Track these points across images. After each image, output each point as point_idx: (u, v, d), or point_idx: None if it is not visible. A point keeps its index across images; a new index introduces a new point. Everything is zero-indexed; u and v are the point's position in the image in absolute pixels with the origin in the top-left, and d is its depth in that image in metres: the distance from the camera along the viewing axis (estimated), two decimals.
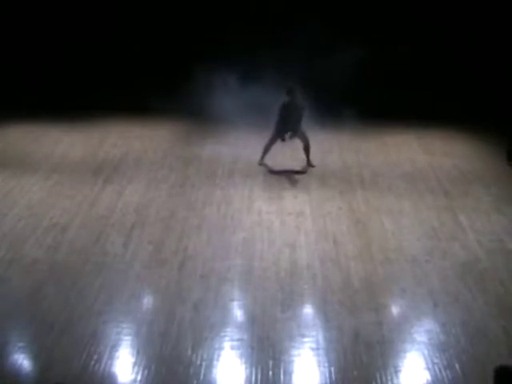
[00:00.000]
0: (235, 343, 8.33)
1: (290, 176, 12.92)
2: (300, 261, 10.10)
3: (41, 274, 9.70)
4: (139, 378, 7.80)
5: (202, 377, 7.81)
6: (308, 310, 9.05)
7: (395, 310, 9.11)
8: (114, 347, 8.26)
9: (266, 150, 13.40)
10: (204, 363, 8.00)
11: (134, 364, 8.01)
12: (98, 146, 14.56)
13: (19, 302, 9.10)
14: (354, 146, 14.66)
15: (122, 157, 13.99)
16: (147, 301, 9.30)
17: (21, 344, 8.33)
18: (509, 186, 12.77)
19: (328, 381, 7.77)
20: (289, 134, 12.96)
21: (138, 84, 16.03)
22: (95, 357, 8.09)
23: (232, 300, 9.18)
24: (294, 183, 12.77)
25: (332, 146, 14.57)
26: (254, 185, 12.57)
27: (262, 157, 13.47)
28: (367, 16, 16.32)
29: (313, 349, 8.24)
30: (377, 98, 15.63)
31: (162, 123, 15.91)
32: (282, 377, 7.81)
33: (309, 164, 13.51)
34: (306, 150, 13.47)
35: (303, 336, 8.46)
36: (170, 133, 15.41)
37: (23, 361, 8.09)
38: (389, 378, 7.80)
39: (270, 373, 7.86)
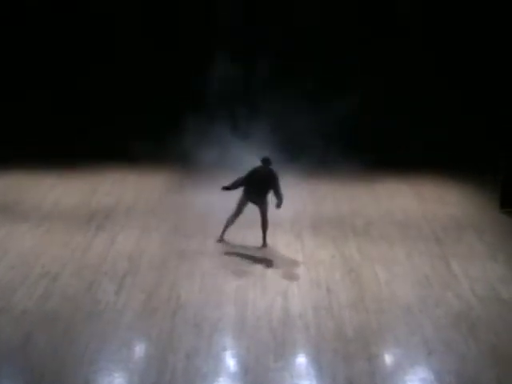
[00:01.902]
0: None
1: (282, 224, 12.87)
2: (293, 309, 10.04)
3: (31, 324, 9.58)
4: None
5: None
6: (301, 359, 8.97)
7: (389, 358, 9.05)
8: None
9: (229, 223, 12.34)
10: None
11: None
12: (90, 194, 14.56)
13: (9, 352, 8.97)
14: (346, 193, 14.69)
15: (114, 205, 13.98)
16: (139, 350, 9.21)
17: None
18: (502, 233, 12.80)
19: None
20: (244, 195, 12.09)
21: (130, 132, 16.10)
22: None
23: (225, 349, 9.10)
24: (286, 231, 12.75)
25: (325, 194, 14.61)
26: (246, 233, 12.54)
27: (224, 231, 12.39)
28: (361, 65, 16.50)
29: None
30: (370, 146, 15.74)
31: (154, 171, 15.94)
32: None
33: (263, 244, 12.30)
34: (264, 226, 12.26)
35: None
36: (162, 181, 15.43)
37: None
38: None
39: None
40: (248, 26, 16.76)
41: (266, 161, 11.96)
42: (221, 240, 12.37)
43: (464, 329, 9.56)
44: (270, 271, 11.27)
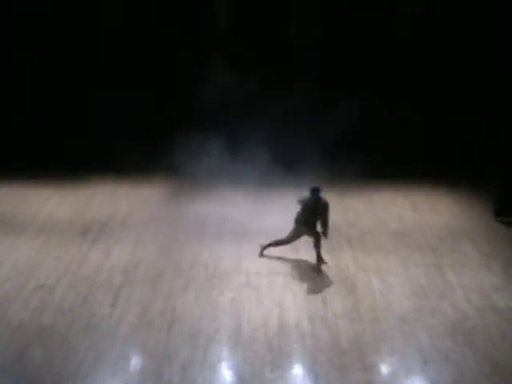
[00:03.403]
0: None
1: (278, 234, 12.83)
2: (289, 320, 10.04)
3: (27, 337, 9.58)
4: None
5: None
6: (297, 370, 8.97)
7: (384, 368, 9.05)
8: None
9: (278, 244, 12.23)
10: None
11: None
12: (85, 206, 14.53)
13: (5, 364, 8.97)
14: (342, 204, 14.66)
15: (109, 217, 13.95)
16: (135, 362, 9.20)
17: None
18: (497, 242, 12.80)
19: None
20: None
21: (125, 144, 16.08)
22: None
23: (220, 360, 9.10)
24: None
25: None
26: (241, 245, 12.54)
27: (267, 246, 12.26)
28: (360, 75, 16.53)
29: None
30: (365, 156, 15.75)
31: (149, 183, 15.91)
32: None
33: (319, 265, 11.89)
34: (317, 245, 11.91)
35: None
36: (157, 192, 15.40)
37: None
38: None
39: None
40: (248, 26, 16.76)
41: (315, 190, 11.67)
42: (261, 253, 12.25)
43: (460, 338, 9.57)
44: (265, 282, 11.26)
